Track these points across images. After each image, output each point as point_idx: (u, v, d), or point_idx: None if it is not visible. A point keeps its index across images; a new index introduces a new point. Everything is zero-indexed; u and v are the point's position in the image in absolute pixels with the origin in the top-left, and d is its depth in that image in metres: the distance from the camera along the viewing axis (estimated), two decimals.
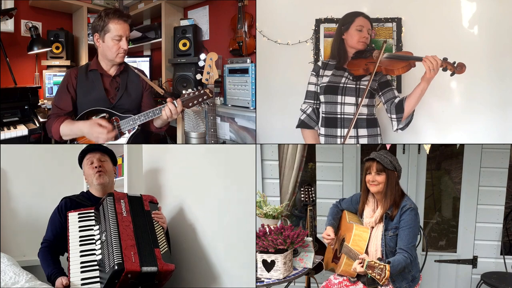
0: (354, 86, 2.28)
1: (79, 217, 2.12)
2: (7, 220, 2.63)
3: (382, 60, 2.20)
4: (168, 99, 2.22)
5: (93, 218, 2.12)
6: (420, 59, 2.11)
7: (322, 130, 2.38)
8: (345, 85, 2.29)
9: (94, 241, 2.04)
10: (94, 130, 2.22)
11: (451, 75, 2.10)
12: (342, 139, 2.29)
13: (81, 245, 2.03)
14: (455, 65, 2.07)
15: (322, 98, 2.37)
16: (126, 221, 2.03)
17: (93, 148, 2.32)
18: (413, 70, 2.20)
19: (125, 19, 2.33)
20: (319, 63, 2.44)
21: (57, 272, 2.01)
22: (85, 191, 2.39)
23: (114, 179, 2.41)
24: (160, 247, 2.03)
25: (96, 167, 2.26)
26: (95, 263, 1.96)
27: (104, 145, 2.35)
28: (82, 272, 1.94)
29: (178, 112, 2.23)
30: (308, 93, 2.45)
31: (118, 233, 1.95)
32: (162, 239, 2.10)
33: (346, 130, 2.27)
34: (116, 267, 1.82)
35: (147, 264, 1.90)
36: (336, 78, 2.33)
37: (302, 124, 2.46)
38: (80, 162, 2.36)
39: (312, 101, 2.43)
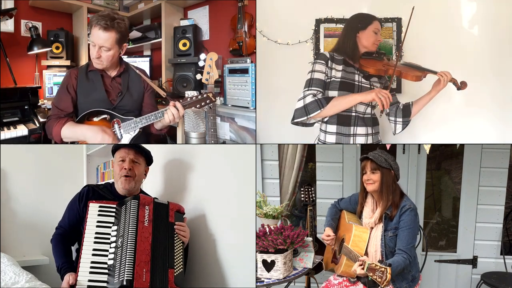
0: (368, 86, 2.27)
1: (99, 210, 2.05)
2: (7, 220, 2.64)
3: (398, 66, 2.25)
4: (171, 103, 2.20)
5: (113, 215, 2.05)
6: (435, 72, 2.21)
7: (334, 128, 2.28)
8: (360, 84, 2.27)
9: (109, 241, 1.97)
10: (98, 136, 2.20)
11: (458, 89, 2.24)
12: (354, 138, 2.27)
13: (95, 242, 1.97)
14: (460, 83, 2.22)
15: (335, 93, 2.22)
16: (146, 232, 1.96)
17: (131, 145, 2.22)
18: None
19: (105, 28, 2.18)
20: (326, 54, 2.27)
21: (68, 266, 1.96)
22: (110, 182, 2.30)
23: (143, 180, 2.31)
24: (175, 267, 1.96)
25: (125, 168, 2.16)
26: (106, 265, 1.91)
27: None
28: (91, 273, 1.89)
29: (180, 116, 2.20)
30: (316, 80, 2.20)
31: (135, 245, 1.89)
32: (179, 257, 2.02)
33: (358, 128, 2.26)
34: (124, 283, 1.78)
35: (157, 285, 1.85)
36: (349, 75, 2.26)
37: (326, 100, 2.15)
38: (113, 153, 2.26)
39: (321, 90, 2.19)
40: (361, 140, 2.28)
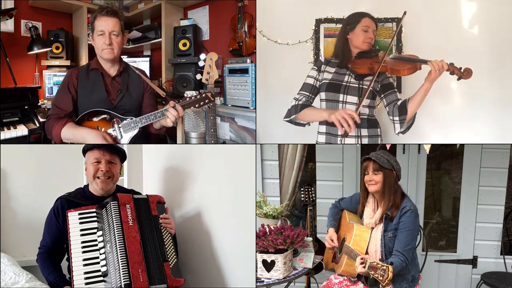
0: (357, 85, 2.25)
1: (80, 218, 1.99)
2: (7, 220, 2.63)
3: (388, 60, 2.18)
4: (171, 103, 2.19)
5: (95, 219, 2.00)
6: (425, 61, 2.10)
7: (323, 128, 2.34)
8: (348, 84, 2.26)
9: (97, 247, 1.94)
10: (98, 142, 2.17)
11: (458, 79, 2.10)
12: (342, 139, 2.28)
13: (83, 252, 1.93)
14: (462, 70, 2.08)
15: (323, 95, 2.32)
16: (132, 231, 1.92)
17: (105, 146, 2.14)
18: (416, 72, 2.18)
19: (108, 14, 2.26)
20: (322, 59, 2.40)
21: (61, 281, 1.95)
22: (81, 187, 2.22)
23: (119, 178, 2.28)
24: (169, 259, 1.95)
25: (102, 170, 2.10)
26: (100, 273, 1.88)
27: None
28: (86, 283, 1.86)
29: (180, 116, 2.20)
30: (305, 85, 2.36)
31: (125, 247, 1.86)
32: (170, 249, 2.00)
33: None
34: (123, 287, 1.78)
35: (156, 282, 1.84)
36: (339, 76, 2.29)
37: (302, 107, 2.30)
38: (84, 152, 2.18)
39: (308, 94, 2.35)
40: (351, 141, 2.27)
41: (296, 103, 2.34)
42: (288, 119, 2.36)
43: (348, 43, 2.32)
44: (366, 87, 2.22)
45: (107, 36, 2.26)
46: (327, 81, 2.31)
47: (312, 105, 2.34)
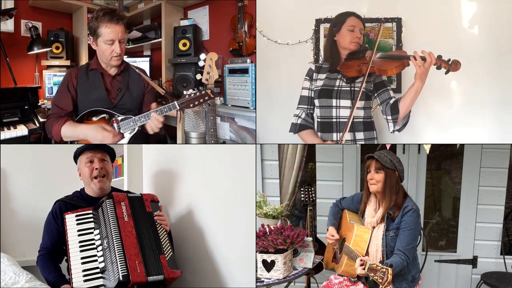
0: (348, 89, 2.24)
1: (77, 219, 2.04)
2: (7, 220, 2.63)
3: (375, 60, 2.16)
4: (152, 105, 2.19)
5: (91, 220, 2.05)
6: (408, 57, 2.07)
7: (318, 135, 2.35)
8: (339, 88, 2.25)
9: (95, 246, 1.98)
10: (99, 134, 2.19)
11: (446, 73, 2.04)
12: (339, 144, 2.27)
13: (81, 251, 1.96)
14: (450, 62, 2.02)
15: (316, 102, 2.32)
16: (128, 226, 1.97)
17: (94, 146, 2.19)
18: (412, 69, 2.14)
19: (116, 21, 2.23)
20: (313, 67, 2.40)
21: (60, 279, 1.96)
22: (78, 190, 2.24)
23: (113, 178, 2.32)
24: (165, 252, 1.98)
25: (97, 168, 2.14)
26: (98, 270, 1.91)
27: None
28: (85, 281, 1.88)
29: (162, 123, 2.21)
30: (302, 98, 2.39)
31: (121, 241, 1.90)
32: (166, 243, 2.05)
33: (341, 134, 2.22)
34: (121, 279, 1.79)
35: (153, 273, 1.87)
36: (330, 82, 2.28)
37: (301, 127, 2.37)
38: (76, 157, 2.22)
39: (306, 106, 2.38)
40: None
41: (296, 121, 2.39)
42: (293, 134, 2.42)
43: (336, 45, 2.31)
44: (358, 89, 2.21)
45: (117, 45, 2.25)
46: (319, 87, 2.31)
47: (309, 126, 2.37)
